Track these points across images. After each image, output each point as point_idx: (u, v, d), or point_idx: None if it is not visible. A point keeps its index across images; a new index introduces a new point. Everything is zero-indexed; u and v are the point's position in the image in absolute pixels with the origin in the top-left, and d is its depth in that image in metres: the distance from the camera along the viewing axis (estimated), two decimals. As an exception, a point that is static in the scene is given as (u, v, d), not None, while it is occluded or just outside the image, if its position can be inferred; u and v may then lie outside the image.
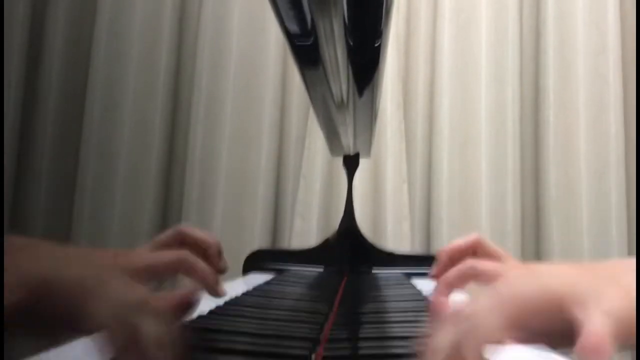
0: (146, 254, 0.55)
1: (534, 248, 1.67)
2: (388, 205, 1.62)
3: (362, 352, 0.43)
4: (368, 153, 1.20)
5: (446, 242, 1.64)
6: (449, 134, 1.67)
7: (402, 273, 1.10)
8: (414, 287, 0.87)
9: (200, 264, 0.57)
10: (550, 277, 0.37)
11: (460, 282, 0.60)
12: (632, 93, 1.69)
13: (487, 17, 1.71)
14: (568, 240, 1.62)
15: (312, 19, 0.44)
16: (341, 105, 0.66)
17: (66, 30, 1.73)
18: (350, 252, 1.15)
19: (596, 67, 1.69)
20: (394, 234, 1.61)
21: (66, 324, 0.35)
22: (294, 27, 0.46)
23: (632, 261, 0.51)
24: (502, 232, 1.63)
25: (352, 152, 1.15)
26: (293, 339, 0.44)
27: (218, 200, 1.66)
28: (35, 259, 0.37)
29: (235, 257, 1.36)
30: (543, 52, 1.71)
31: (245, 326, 0.49)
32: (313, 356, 0.41)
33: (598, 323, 0.31)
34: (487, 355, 0.33)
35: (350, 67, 0.51)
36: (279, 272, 1.10)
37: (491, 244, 0.61)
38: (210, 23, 1.72)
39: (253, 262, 1.15)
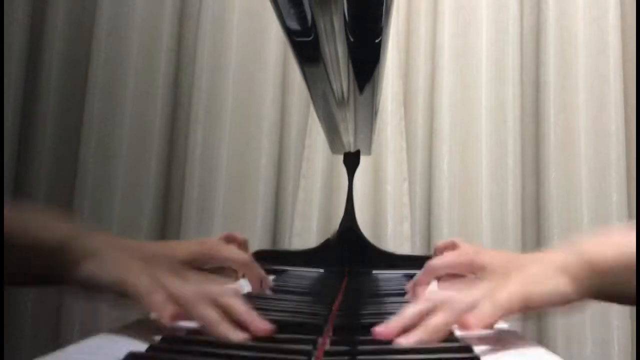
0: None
1: (535, 247, 1.66)
2: (389, 205, 1.62)
3: (362, 355, 0.42)
4: (369, 150, 1.20)
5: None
6: (449, 132, 1.67)
7: (403, 274, 1.10)
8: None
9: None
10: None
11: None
12: (633, 92, 1.68)
13: (487, 15, 1.70)
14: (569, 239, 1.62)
15: (312, 16, 0.43)
16: (342, 102, 0.66)
17: (66, 30, 1.73)
18: (350, 254, 1.15)
19: (597, 66, 1.68)
20: (395, 235, 1.60)
21: None
22: (294, 24, 0.45)
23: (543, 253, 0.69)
24: (502, 232, 1.63)
25: (352, 149, 1.14)
26: (293, 342, 0.43)
27: (218, 200, 1.66)
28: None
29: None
30: (543, 51, 1.71)
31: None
32: (313, 359, 0.40)
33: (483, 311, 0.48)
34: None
35: (350, 63, 0.50)
36: (279, 273, 1.09)
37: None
38: (210, 23, 1.71)
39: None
